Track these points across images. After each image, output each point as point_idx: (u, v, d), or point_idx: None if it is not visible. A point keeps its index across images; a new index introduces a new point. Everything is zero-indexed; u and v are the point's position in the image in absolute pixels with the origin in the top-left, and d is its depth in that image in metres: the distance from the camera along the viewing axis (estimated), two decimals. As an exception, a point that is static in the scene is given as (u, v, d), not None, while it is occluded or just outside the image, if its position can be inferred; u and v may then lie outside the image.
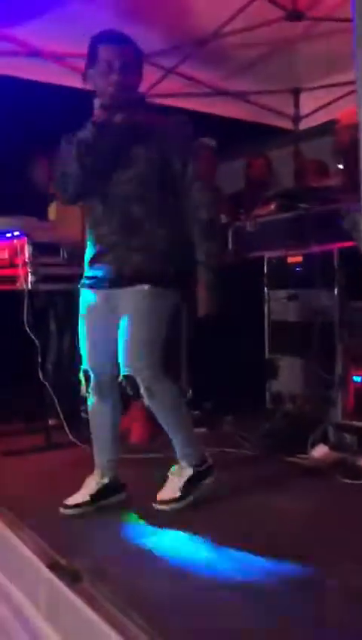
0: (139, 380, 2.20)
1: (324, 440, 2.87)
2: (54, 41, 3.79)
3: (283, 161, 5.18)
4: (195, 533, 2.05)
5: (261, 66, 4.22)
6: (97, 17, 3.43)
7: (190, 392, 3.69)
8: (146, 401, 2.26)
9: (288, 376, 3.20)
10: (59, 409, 3.27)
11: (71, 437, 3.18)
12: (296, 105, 5.05)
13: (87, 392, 2.37)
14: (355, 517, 2.14)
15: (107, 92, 2.14)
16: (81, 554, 1.90)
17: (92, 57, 2.18)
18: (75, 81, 4.01)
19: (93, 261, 2.29)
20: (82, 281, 2.35)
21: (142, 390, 2.21)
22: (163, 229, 2.21)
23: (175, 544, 2.00)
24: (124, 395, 3.49)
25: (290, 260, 3.23)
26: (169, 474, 2.35)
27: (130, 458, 2.96)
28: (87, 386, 2.34)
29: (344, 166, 3.31)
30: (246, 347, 3.56)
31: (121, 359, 2.21)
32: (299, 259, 3.18)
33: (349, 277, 2.96)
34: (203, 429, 3.46)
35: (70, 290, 3.08)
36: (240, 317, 3.50)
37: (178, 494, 2.27)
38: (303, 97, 4.99)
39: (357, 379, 2.93)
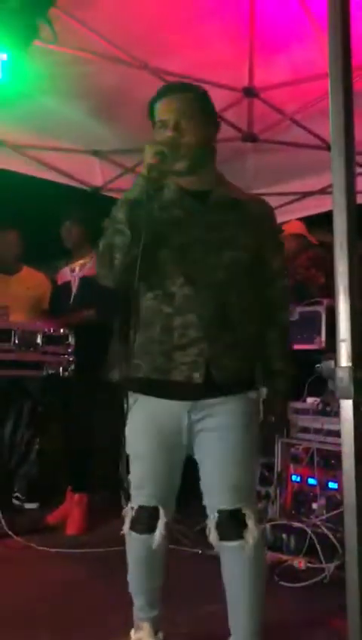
0: (248, 514, 1.71)
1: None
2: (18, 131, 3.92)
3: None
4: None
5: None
6: (64, 112, 3.62)
7: (129, 481, 3.66)
8: (234, 548, 1.72)
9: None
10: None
11: (5, 527, 3.06)
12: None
13: (143, 531, 1.83)
14: (295, 625, 2.16)
15: (175, 155, 1.70)
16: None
17: (151, 119, 1.84)
18: (33, 171, 4.20)
19: (163, 358, 1.76)
20: (138, 380, 1.80)
21: (248, 530, 1.70)
22: (253, 324, 1.82)
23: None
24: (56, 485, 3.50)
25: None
26: None
27: (68, 553, 2.91)
28: (149, 523, 1.82)
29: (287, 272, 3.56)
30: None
31: (219, 488, 1.75)
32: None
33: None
34: (140, 522, 3.43)
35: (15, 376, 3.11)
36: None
37: None
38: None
39: (295, 478, 3.02)
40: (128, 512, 1.86)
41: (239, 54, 3.24)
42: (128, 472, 3.69)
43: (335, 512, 2.75)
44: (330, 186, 1.35)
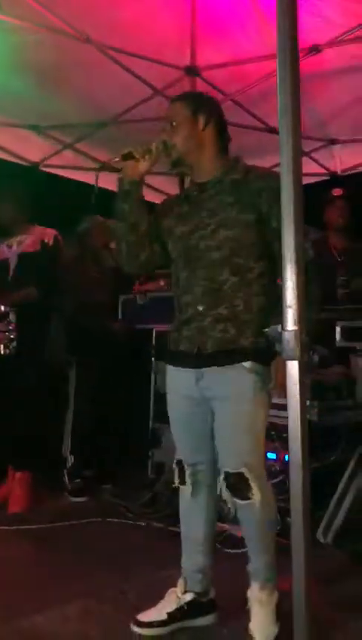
0: (251, 478, 1.83)
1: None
2: None
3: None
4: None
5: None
6: (1, 84, 3.52)
7: (71, 459, 3.68)
8: (245, 506, 1.87)
9: (172, 446, 3.31)
10: None
11: None
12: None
13: (178, 483, 2.04)
14: (238, 587, 2.24)
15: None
16: None
17: None
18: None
19: (175, 332, 2.02)
20: (166, 354, 2.08)
21: (253, 492, 1.83)
22: (251, 297, 1.91)
23: None
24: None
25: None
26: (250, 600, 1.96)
27: (10, 530, 2.90)
28: (180, 477, 2.03)
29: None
30: (131, 416, 3.65)
31: (222, 452, 1.91)
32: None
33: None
34: (83, 498, 3.46)
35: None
36: (127, 386, 3.62)
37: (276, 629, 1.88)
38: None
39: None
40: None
41: (182, 33, 3.26)
42: (70, 451, 3.72)
43: (274, 480, 2.86)
44: (273, 167, 1.41)
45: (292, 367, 1.27)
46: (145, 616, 1.97)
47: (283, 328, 1.28)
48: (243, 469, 1.83)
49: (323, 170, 4.64)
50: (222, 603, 2.07)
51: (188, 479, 2.00)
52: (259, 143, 3.75)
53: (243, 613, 1.99)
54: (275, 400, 1.97)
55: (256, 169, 2.01)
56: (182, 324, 1.98)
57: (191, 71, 3.50)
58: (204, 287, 1.93)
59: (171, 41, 3.31)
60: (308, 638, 1.27)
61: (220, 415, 1.91)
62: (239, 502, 1.87)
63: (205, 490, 2.03)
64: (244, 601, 2.04)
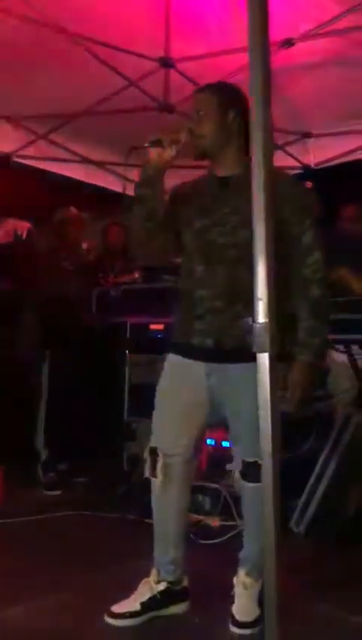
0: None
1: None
2: None
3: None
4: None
5: (126, 141, 4.48)
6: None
7: (45, 452, 3.67)
8: (253, 489, 1.91)
9: (146, 438, 3.31)
10: None
11: None
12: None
13: (150, 474, 2.01)
14: (213, 575, 2.27)
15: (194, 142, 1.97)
16: None
17: None
18: None
19: (185, 325, 2.01)
20: (172, 344, 2.06)
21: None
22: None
23: None
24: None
25: (152, 326, 3.43)
26: (235, 585, 2.03)
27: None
28: (153, 466, 2.00)
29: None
30: (105, 409, 3.65)
31: (238, 444, 2.00)
32: (161, 326, 3.38)
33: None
34: (58, 492, 3.46)
35: None
36: (101, 379, 3.61)
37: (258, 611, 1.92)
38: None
39: (210, 442, 3.14)
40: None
41: (156, 24, 3.23)
42: (44, 444, 3.71)
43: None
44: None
45: (263, 359, 1.28)
46: (118, 608, 1.97)
47: (254, 321, 1.29)
48: (258, 458, 1.89)
49: (297, 164, 4.66)
50: (195, 592, 2.08)
51: (159, 471, 1.97)
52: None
53: (216, 602, 2.02)
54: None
55: (281, 173, 2.05)
56: (196, 318, 1.96)
57: (166, 62, 3.48)
58: (223, 284, 1.92)
59: (145, 33, 3.29)
60: (278, 622, 1.30)
61: (235, 413, 1.96)
62: (248, 485, 1.95)
63: (177, 483, 2.00)
64: (217, 590, 2.08)
